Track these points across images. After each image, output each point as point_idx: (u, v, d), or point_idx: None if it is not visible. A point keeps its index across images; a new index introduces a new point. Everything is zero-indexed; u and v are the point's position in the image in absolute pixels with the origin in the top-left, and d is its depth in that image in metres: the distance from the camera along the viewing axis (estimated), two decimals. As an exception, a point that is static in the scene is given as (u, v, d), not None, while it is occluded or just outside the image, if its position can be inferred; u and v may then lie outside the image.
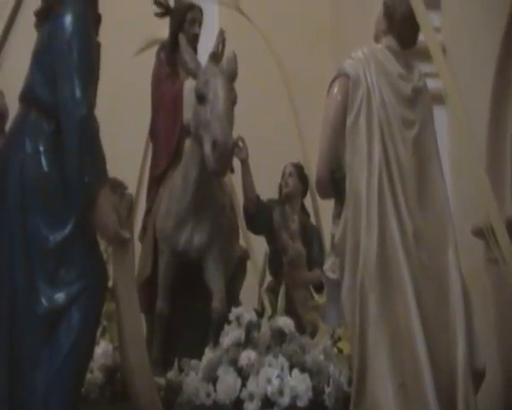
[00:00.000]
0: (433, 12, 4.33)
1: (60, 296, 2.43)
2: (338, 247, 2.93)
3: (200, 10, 4.21)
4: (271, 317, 3.12)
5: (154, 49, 4.29)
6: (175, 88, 4.02)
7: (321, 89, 3.32)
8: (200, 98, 3.44)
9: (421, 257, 2.86)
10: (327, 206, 3.39)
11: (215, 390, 3.00)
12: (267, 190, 4.52)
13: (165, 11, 4.22)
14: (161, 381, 3.23)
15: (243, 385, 2.98)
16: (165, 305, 3.75)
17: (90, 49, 2.56)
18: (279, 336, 3.03)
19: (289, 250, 4.42)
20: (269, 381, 2.96)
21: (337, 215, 2.99)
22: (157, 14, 4.22)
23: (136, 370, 2.74)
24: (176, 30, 4.11)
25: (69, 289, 2.44)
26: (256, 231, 4.42)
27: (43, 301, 2.42)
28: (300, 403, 2.98)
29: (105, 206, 2.47)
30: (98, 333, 3.09)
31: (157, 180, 4.01)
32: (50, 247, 2.46)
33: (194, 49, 4.05)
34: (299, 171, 4.61)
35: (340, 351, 3.26)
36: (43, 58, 2.60)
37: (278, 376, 2.97)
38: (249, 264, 4.21)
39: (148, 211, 4.02)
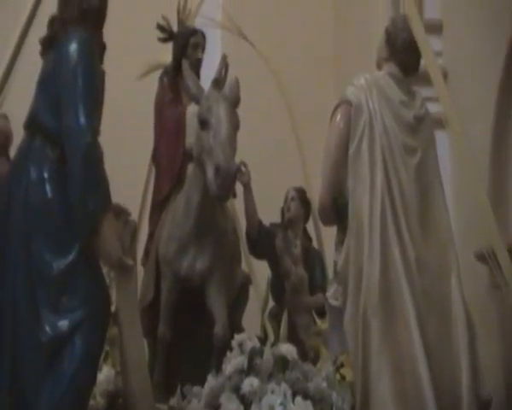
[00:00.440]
0: (435, 36, 4.36)
1: (63, 324, 2.43)
2: (340, 274, 2.94)
3: (203, 35, 4.23)
4: (274, 344, 3.10)
5: (157, 73, 4.31)
6: (178, 113, 4.04)
7: (323, 113, 3.35)
8: (203, 124, 3.45)
9: (423, 284, 2.86)
10: (329, 230, 3.40)
11: (217, 417, 2.98)
12: (269, 214, 4.52)
13: (169, 36, 4.25)
14: (163, 407, 3.21)
15: (246, 413, 2.96)
16: (167, 330, 3.75)
17: (94, 77, 2.58)
18: (282, 364, 3.01)
19: (292, 275, 4.41)
20: (272, 408, 2.93)
21: (339, 242, 3.00)
22: (160, 39, 4.25)
23: (138, 396, 2.74)
24: (179, 55, 4.13)
25: (72, 316, 2.44)
26: (258, 256, 4.42)
27: (47, 328, 2.42)
28: (303, 430, 2.96)
29: (108, 233, 2.47)
30: (101, 358, 3.08)
31: (160, 205, 4.02)
32: (54, 274, 2.46)
33: (197, 74, 4.07)
34: (302, 195, 4.62)
35: (343, 378, 3.24)
36: (48, 85, 2.62)
37: (281, 403, 2.94)
38: (251, 289, 4.20)
39: (151, 236, 4.03)
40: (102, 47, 2.76)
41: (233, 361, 3.01)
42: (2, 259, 2.53)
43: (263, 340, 3.13)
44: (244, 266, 4.25)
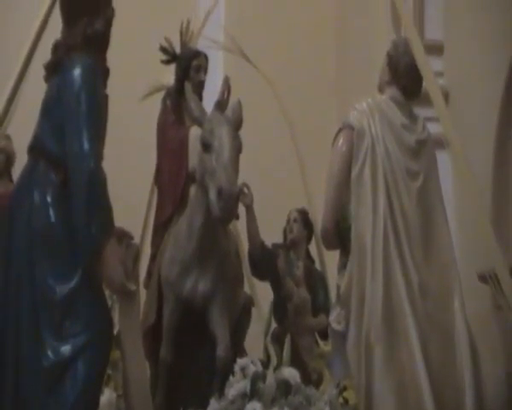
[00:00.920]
0: (436, 57, 4.39)
1: (66, 349, 2.42)
2: (343, 298, 2.94)
3: (205, 57, 4.25)
4: (277, 368, 3.09)
5: (160, 95, 4.33)
6: (180, 135, 4.05)
7: (325, 135, 3.36)
8: (206, 146, 3.45)
9: (426, 307, 2.87)
10: (331, 252, 3.40)
11: (220, 442, 2.97)
12: (272, 235, 4.52)
13: (172, 58, 4.26)
14: (165, 431, 3.20)
15: (249, 437, 2.94)
16: (169, 352, 3.74)
17: (98, 102, 2.59)
18: (284, 388, 2.99)
19: (294, 297, 4.40)
20: (274, 432, 2.93)
21: (342, 266, 3.00)
22: (163, 61, 4.26)
23: (140, 419, 2.73)
24: (181, 77, 4.14)
25: (75, 341, 2.44)
26: (260, 277, 4.41)
27: (49, 353, 2.41)
28: (306, 455, 2.94)
29: (111, 258, 2.48)
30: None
31: (162, 226, 4.02)
32: (57, 299, 2.46)
33: (200, 96, 4.09)
34: (304, 217, 4.62)
35: (346, 401, 3.23)
36: (51, 110, 2.63)
37: (284, 427, 2.94)
38: (254, 311, 4.19)
39: (153, 257, 4.03)
40: (106, 72, 2.77)
41: (236, 385, 2.99)
42: (4, 283, 2.53)
43: (265, 363, 3.12)
44: (247, 288, 4.24)
